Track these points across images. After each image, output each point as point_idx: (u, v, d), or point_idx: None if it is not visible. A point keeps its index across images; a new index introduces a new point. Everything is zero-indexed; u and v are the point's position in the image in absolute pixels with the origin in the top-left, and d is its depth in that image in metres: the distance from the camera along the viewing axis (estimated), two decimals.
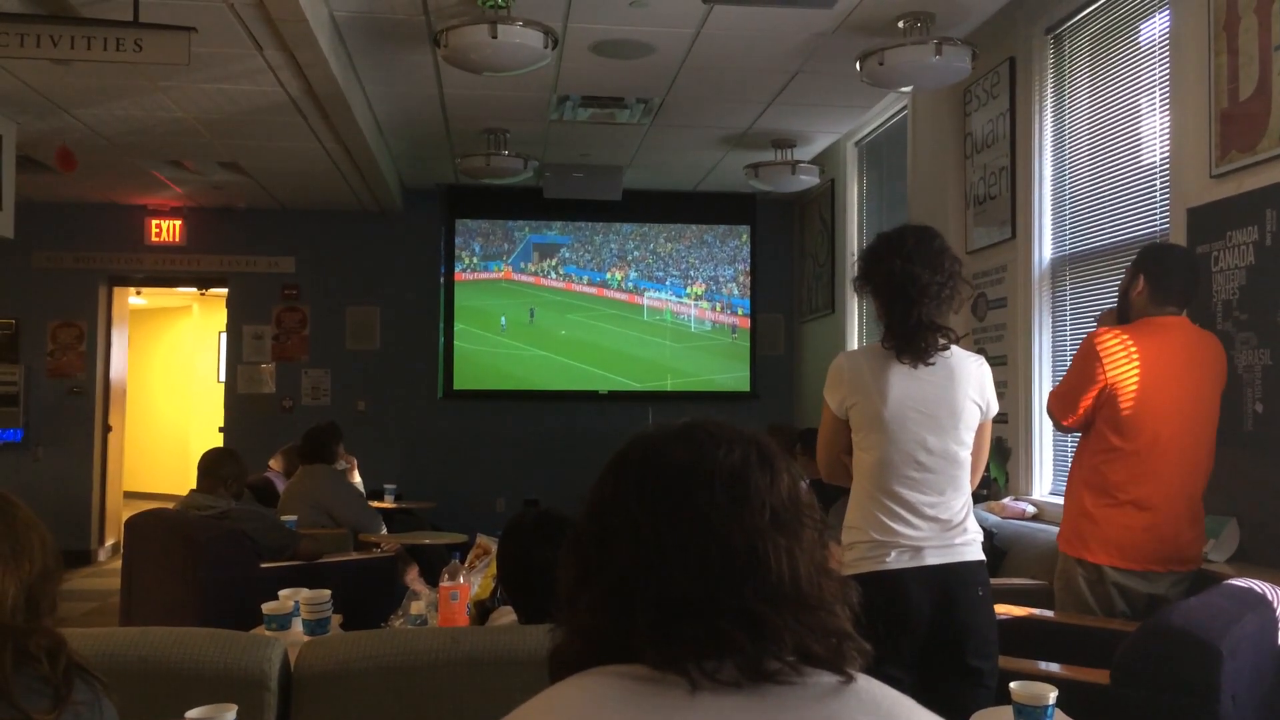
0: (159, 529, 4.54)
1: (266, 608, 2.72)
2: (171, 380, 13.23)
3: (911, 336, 2.59)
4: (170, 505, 5.00)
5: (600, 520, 1.06)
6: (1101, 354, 3.17)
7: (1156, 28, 4.03)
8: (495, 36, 4.38)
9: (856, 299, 7.48)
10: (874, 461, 2.64)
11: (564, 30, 4.96)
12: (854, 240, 7.53)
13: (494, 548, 3.88)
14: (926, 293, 2.58)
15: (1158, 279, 3.23)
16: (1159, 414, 3.12)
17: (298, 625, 2.72)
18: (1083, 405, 3.21)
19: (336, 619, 2.87)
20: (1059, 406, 3.34)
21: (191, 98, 5.75)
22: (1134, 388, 3.13)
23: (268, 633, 2.63)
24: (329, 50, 4.85)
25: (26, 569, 1.35)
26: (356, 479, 6.70)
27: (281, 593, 2.85)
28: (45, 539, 1.40)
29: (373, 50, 5.32)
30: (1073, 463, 3.39)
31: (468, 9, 4.65)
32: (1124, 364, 3.14)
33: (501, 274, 9.11)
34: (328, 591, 2.76)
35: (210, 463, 4.53)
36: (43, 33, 4.15)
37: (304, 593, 2.77)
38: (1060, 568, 3.32)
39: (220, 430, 9.10)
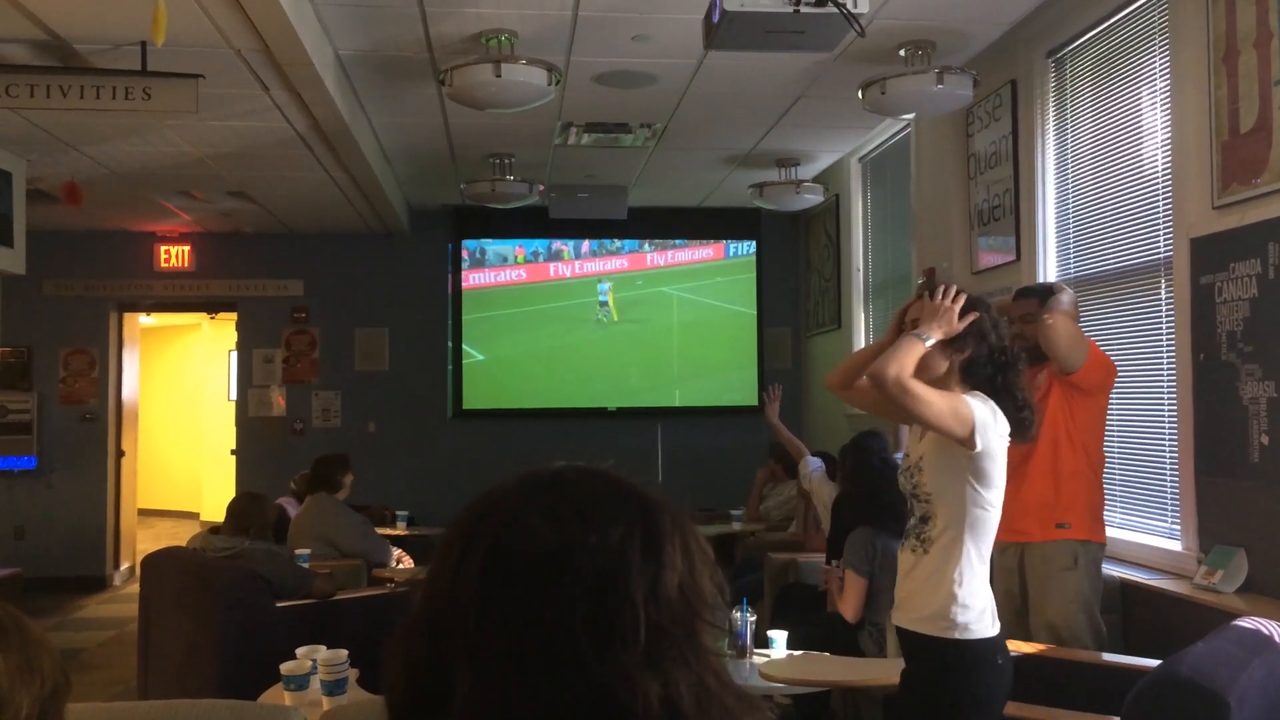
0: (175, 569, 4.58)
1: (284, 668, 2.75)
2: (183, 398, 13.32)
3: (1022, 422, 2.69)
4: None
5: (435, 627, 0.82)
6: None
7: (1157, 56, 4.04)
8: (499, 75, 4.41)
9: (862, 314, 7.49)
10: (987, 523, 2.66)
11: (567, 64, 4.99)
12: (859, 255, 7.54)
13: None
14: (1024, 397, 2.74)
15: None
16: None
17: (315, 684, 2.75)
18: None
19: (353, 674, 2.90)
20: None
21: (199, 134, 5.80)
22: None
23: (286, 693, 2.66)
24: (334, 88, 4.89)
25: (38, 685, 1.37)
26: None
27: (299, 651, 2.87)
28: (55, 656, 1.42)
29: (378, 84, 5.36)
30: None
31: (472, 47, 4.68)
32: None
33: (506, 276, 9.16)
34: (344, 652, 2.79)
35: (237, 512, 4.49)
36: (53, 83, 4.20)
37: (321, 652, 2.80)
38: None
39: (233, 453, 9.15)
